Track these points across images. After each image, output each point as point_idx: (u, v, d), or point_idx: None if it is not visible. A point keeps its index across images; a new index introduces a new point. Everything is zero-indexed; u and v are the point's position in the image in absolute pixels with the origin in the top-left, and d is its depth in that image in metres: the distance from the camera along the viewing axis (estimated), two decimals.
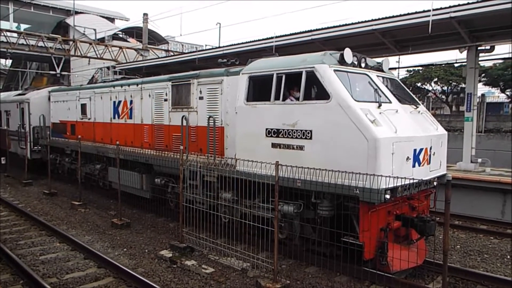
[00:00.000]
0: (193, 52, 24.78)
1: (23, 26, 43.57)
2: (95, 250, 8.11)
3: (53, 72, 29.33)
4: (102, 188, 14.00)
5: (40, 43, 27.58)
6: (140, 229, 10.15)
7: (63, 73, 30.39)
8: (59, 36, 29.65)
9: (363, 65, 7.65)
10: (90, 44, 29.07)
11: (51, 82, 30.17)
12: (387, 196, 6.21)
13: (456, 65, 33.14)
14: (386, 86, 7.73)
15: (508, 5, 11.36)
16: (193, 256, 8.02)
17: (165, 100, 10.66)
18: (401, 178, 6.01)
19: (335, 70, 7.02)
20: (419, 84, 45.43)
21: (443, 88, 46.18)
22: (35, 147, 17.58)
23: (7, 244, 8.63)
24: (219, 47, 22.03)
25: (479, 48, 14.97)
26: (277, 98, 7.56)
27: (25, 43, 27.19)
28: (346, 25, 14.67)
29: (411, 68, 42.91)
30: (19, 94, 19.98)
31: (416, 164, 7.03)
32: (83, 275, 7.16)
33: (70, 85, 27.40)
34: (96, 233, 9.81)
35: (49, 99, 17.38)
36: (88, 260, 7.89)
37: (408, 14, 13.18)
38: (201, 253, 8.18)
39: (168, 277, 7.14)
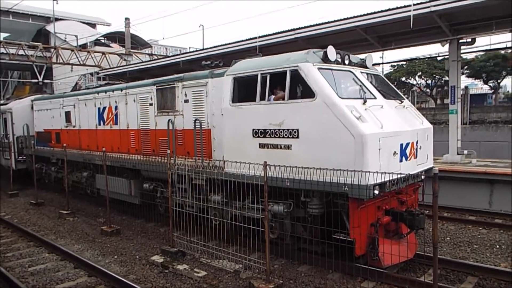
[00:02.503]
0: (177, 55, 24.63)
1: (2, 35, 42.93)
2: (85, 259, 8.01)
3: (35, 81, 28.98)
4: (90, 195, 13.85)
5: (21, 52, 27.22)
6: (130, 236, 10.06)
7: (45, 81, 30.05)
8: (40, 43, 29.29)
9: (346, 62, 7.68)
10: (72, 50, 28.78)
11: (33, 91, 29.77)
12: (376, 192, 6.24)
13: (439, 58, 33.51)
14: (371, 82, 7.78)
15: None
16: (184, 260, 7.97)
17: (150, 104, 10.58)
18: (389, 173, 6.04)
19: (319, 68, 7.04)
20: (403, 79, 45.83)
21: (427, 81, 46.64)
22: (20, 157, 17.35)
23: None
24: (203, 49, 22.01)
25: (460, 41, 15.16)
26: (262, 98, 7.56)
27: (5, 52, 26.79)
28: (328, 22, 14.73)
29: (395, 63, 43.26)
30: (1, 104, 19.70)
31: (403, 158, 7.09)
32: (73, 285, 7.06)
33: (53, 93, 27.07)
34: (85, 242, 9.70)
35: (32, 108, 17.15)
36: (79, 269, 7.78)
37: (390, 9, 13.29)
38: (193, 257, 8.14)
39: (160, 282, 7.09)
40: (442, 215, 10.91)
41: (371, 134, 6.34)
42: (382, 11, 13.47)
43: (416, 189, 7.97)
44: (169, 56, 27.27)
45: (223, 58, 10.78)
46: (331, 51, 7.30)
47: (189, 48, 39.70)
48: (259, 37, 16.76)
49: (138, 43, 39.46)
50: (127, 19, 29.74)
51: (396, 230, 7.27)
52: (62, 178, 14.55)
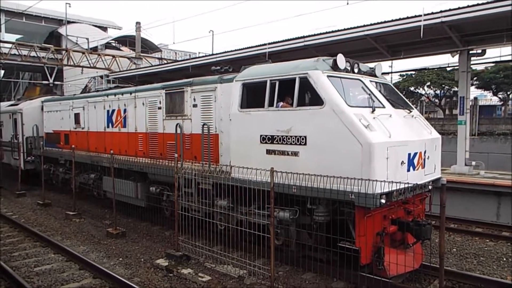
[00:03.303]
0: (187, 59, 24.79)
1: (15, 36, 43.44)
2: (90, 260, 8.04)
3: (46, 82, 29.25)
4: (96, 197, 13.91)
5: (33, 53, 27.49)
6: (135, 238, 10.09)
7: (56, 82, 30.30)
8: (52, 45, 29.60)
9: (356, 70, 7.68)
10: (83, 53, 29.02)
11: (44, 92, 29.95)
12: (383, 201, 6.21)
13: (448, 69, 33.47)
14: (379, 91, 7.76)
15: (498, 10, 11.49)
16: (189, 265, 7.98)
17: (159, 108, 10.64)
18: (396, 182, 6.02)
19: (328, 76, 7.05)
20: (412, 88, 45.73)
21: (436, 92, 46.51)
22: (29, 158, 17.48)
23: (1, 256, 8.55)
24: (213, 54, 22.09)
25: (470, 52, 15.13)
26: (271, 104, 7.57)
27: (17, 53, 27.07)
28: (338, 30, 14.76)
29: (404, 73, 43.24)
30: (12, 105, 19.90)
31: (411, 168, 7.05)
32: (78, 286, 7.09)
33: (63, 95, 27.31)
34: (91, 243, 9.74)
35: (42, 109, 17.31)
36: (83, 270, 7.81)
37: (400, 19, 13.29)
38: (198, 261, 8.14)
39: (164, 286, 7.09)
40: (449, 226, 10.83)
41: (379, 143, 6.33)
42: (392, 20, 13.48)
43: (423, 199, 7.92)
44: (178, 61, 27.41)
45: (233, 64, 10.83)
46: (341, 59, 7.31)
47: (199, 53, 39.99)
48: (269, 43, 16.83)
49: (148, 47, 39.73)
50: (138, 23, 30.00)
51: (402, 240, 7.23)
52: (69, 179, 14.65)
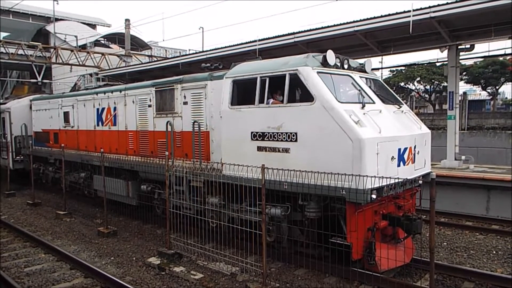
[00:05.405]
0: (177, 57, 24.66)
1: (2, 34, 42.89)
2: (81, 260, 7.99)
3: (34, 80, 28.94)
4: (87, 196, 13.82)
5: (20, 51, 27.18)
6: (127, 237, 10.04)
7: (44, 81, 29.99)
8: (40, 43, 29.25)
9: (346, 66, 7.69)
10: (72, 51, 28.76)
11: (32, 91, 29.63)
12: (373, 196, 6.24)
13: (437, 64, 33.61)
14: (369, 87, 7.78)
15: (486, 4, 11.56)
16: (181, 263, 7.96)
17: (149, 106, 10.59)
18: (387, 177, 6.05)
19: (318, 72, 7.05)
20: (402, 84, 45.98)
21: (425, 87, 46.81)
22: (18, 157, 17.32)
23: None
24: (203, 51, 22.00)
25: (459, 47, 15.21)
26: (261, 101, 7.56)
27: (4, 51, 26.75)
28: (328, 27, 14.76)
29: (394, 68, 43.42)
30: (0, 104, 19.67)
31: (401, 163, 7.09)
32: (69, 286, 7.04)
33: (52, 93, 27.03)
34: (82, 243, 9.67)
35: (30, 107, 17.14)
36: (75, 270, 7.76)
37: (389, 15, 13.32)
38: (190, 259, 8.13)
39: (156, 284, 7.07)
40: (439, 220, 10.92)
41: (369, 138, 6.35)
42: (382, 16, 13.51)
43: (414, 194, 7.97)
44: (168, 58, 27.24)
45: (223, 61, 10.79)
46: (331, 55, 7.31)
47: (189, 50, 39.76)
48: (259, 40, 16.78)
49: (138, 45, 39.47)
50: (127, 20, 29.76)
51: (393, 235, 7.27)
52: (59, 178, 14.52)
